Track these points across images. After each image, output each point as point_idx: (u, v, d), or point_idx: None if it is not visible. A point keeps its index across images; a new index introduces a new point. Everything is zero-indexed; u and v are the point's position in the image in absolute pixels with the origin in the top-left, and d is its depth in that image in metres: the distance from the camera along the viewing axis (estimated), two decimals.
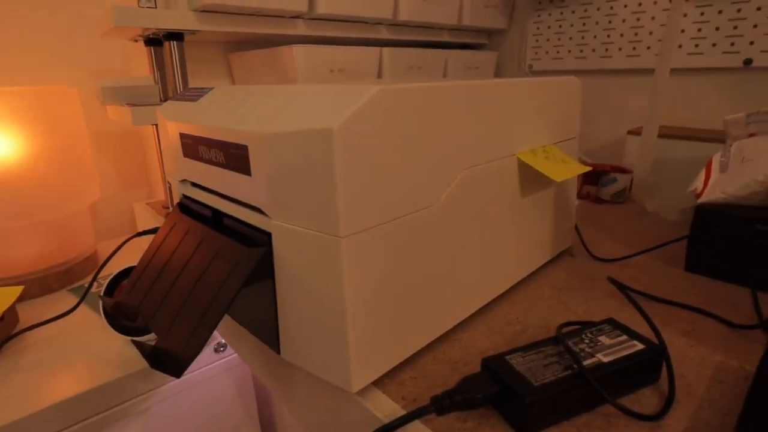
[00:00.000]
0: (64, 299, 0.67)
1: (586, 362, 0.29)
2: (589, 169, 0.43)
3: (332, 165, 0.26)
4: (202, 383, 0.57)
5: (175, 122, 0.41)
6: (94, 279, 0.57)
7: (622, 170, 0.72)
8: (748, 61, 0.66)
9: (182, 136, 0.41)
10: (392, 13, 0.76)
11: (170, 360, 0.31)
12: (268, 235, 0.32)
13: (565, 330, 0.33)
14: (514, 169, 0.41)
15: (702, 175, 0.48)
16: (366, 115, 0.27)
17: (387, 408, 0.30)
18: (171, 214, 0.44)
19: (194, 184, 0.43)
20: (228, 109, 0.36)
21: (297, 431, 0.74)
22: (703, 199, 0.46)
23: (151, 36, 0.68)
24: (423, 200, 0.32)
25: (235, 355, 0.60)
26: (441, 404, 0.28)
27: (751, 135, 0.54)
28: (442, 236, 0.34)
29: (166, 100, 0.74)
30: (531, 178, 0.43)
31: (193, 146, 0.39)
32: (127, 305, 0.39)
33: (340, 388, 0.32)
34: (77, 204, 0.71)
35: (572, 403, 0.29)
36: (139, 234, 0.59)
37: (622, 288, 0.41)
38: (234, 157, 0.33)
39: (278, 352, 0.35)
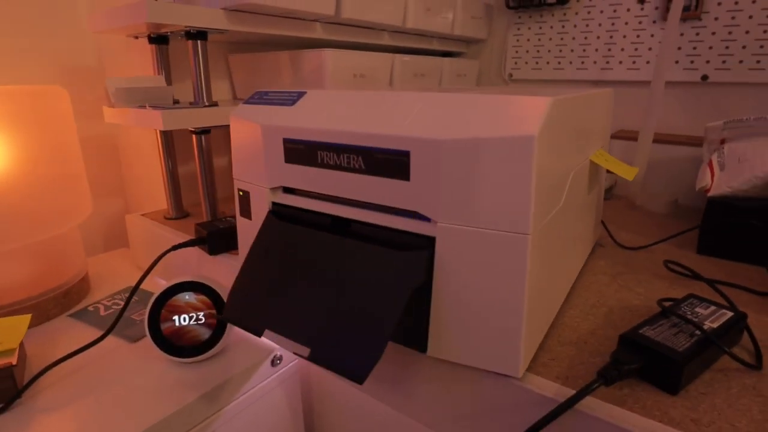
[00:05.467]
0: (67, 326, 0.60)
1: (704, 329, 0.35)
2: (637, 170, 0.50)
3: (530, 168, 0.29)
4: (261, 399, 0.55)
5: (274, 126, 0.40)
6: (130, 298, 0.52)
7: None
8: (705, 77, 0.79)
9: (288, 141, 0.40)
10: (402, 21, 0.79)
11: (350, 368, 0.31)
12: (428, 238, 0.33)
13: (666, 305, 0.39)
14: (586, 170, 0.46)
15: (707, 173, 0.58)
16: (549, 122, 0.30)
17: (550, 387, 0.33)
18: (267, 222, 0.43)
19: (288, 191, 0.43)
20: (357, 113, 0.37)
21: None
22: (713, 193, 0.55)
23: (163, 34, 0.64)
24: (559, 198, 0.36)
25: (287, 366, 0.58)
26: (609, 376, 0.32)
27: (723, 140, 0.65)
28: (560, 230, 0.38)
29: (175, 102, 0.69)
30: (591, 179, 0.49)
31: (307, 152, 0.39)
32: (240, 321, 0.38)
33: (495, 376, 0.34)
34: (71, 220, 0.63)
35: (700, 363, 0.34)
36: (176, 247, 0.56)
37: (689, 271, 0.48)
38: (383, 162, 0.34)
39: (424, 351, 0.36)
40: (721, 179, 0.56)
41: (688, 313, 0.38)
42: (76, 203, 0.65)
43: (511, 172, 0.29)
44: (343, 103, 0.39)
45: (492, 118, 0.31)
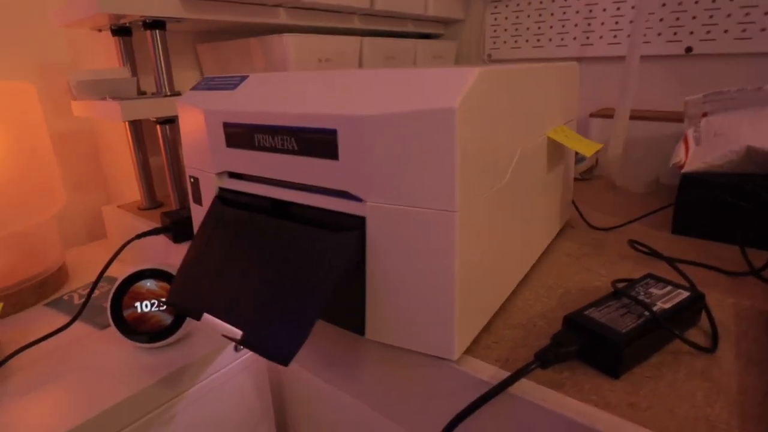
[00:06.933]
0: (43, 314, 0.60)
1: (654, 309, 0.34)
2: (601, 146, 0.48)
3: (453, 142, 0.27)
4: (225, 384, 0.55)
5: (215, 111, 0.40)
6: (94, 287, 0.52)
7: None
8: (689, 49, 0.76)
9: (227, 125, 0.39)
10: (369, 3, 0.77)
11: (275, 349, 0.30)
12: (358, 218, 0.32)
13: (620, 286, 0.38)
14: (544, 147, 0.44)
15: (682, 148, 0.56)
16: (474, 94, 0.28)
17: (487, 370, 0.32)
18: (212, 208, 0.42)
19: (234, 176, 0.42)
20: (291, 95, 0.36)
21: (308, 426, 0.73)
22: (686, 169, 0.53)
23: (124, 25, 0.63)
24: (501, 175, 0.34)
25: (251, 353, 0.58)
26: (546, 358, 0.31)
27: (704, 113, 0.63)
28: (507, 208, 0.37)
29: (142, 93, 0.68)
30: (551, 157, 0.47)
31: (244, 135, 0.38)
32: (184, 305, 0.37)
33: (433, 359, 0.33)
34: (44, 212, 0.64)
35: (647, 345, 0.33)
36: (140, 236, 0.56)
37: (650, 250, 0.47)
38: (313, 142, 0.33)
39: (362, 334, 0.35)
40: (696, 154, 0.54)
41: (641, 293, 0.36)
42: (48, 196, 0.65)
43: (434, 147, 0.28)
44: (280, 85, 0.38)
45: (415, 92, 0.29)
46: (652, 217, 0.60)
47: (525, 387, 0.31)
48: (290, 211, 0.37)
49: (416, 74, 0.31)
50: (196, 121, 0.42)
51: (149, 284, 0.51)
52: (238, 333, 0.32)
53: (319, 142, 0.33)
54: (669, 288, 0.37)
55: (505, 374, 0.31)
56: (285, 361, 0.30)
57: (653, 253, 0.47)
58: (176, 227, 0.57)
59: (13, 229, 0.59)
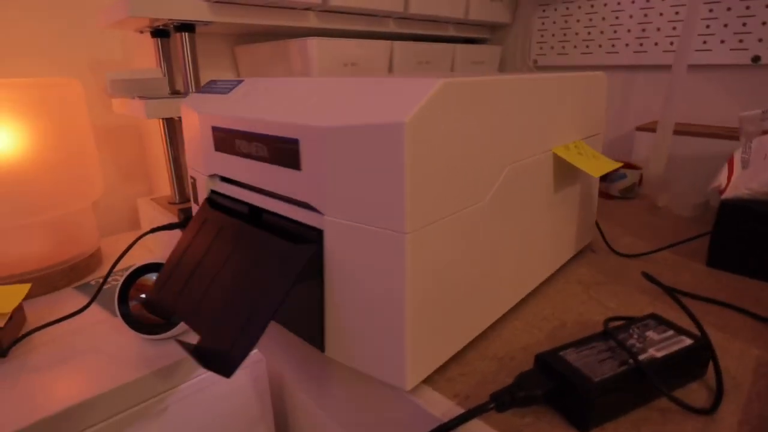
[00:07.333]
0: (70, 297, 0.65)
1: (641, 357, 0.30)
2: (620, 165, 0.44)
3: (402, 160, 0.26)
4: (220, 381, 0.56)
5: (206, 115, 0.40)
6: (108, 276, 0.55)
7: (631, 166, 0.73)
8: (756, 59, 0.67)
9: (215, 129, 0.39)
10: (403, 6, 0.76)
11: (219, 359, 0.30)
12: (318, 231, 0.31)
13: (611, 325, 0.34)
14: (549, 164, 0.41)
15: (725, 171, 0.49)
16: (433, 108, 0.26)
17: (442, 405, 0.30)
18: (200, 210, 0.43)
19: (225, 179, 0.42)
20: (270, 101, 0.35)
21: (310, 428, 0.74)
22: (727, 195, 0.47)
23: (160, 27, 0.66)
24: (475, 195, 0.32)
25: (252, 352, 0.59)
26: (502, 401, 0.28)
27: (766, 132, 0.55)
28: (488, 232, 0.34)
29: (174, 92, 0.72)
30: (562, 174, 0.43)
31: (228, 140, 0.38)
32: (160, 304, 0.38)
33: (389, 386, 0.32)
34: (81, 200, 0.69)
35: (629, 398, 0.29)
36: (155, 230, 0.58)
37: (660, 285, 0.42)
38: (280, 151, 0.32)
39: (322, 350, 0.34)
40: (740, 179, 0.47)
41: (634, 336, 0.32)
42: (86, 185, 0.70)
43: (383, 163, 0.26)
44: (265, 92, 0.38)
45: (374, 103, 0.28)
46: (689, 246, 0.53)
47: (476, 429, 0.28)
48: (263, 219, 0.37)
49: (380, 84, 0.29)
50: (192, 124, 0.43)
51: (155, 278, 0.54)
52: (193, 340, 0.32)
53: (285, 152, 0.32)
54: (670, 333, 0.32)
55: (459, 411, 0.29)
56: (227, 373, 0.29)
57: (664, 289, 0.41)
58: (188, 222, 0.59)
59: (50, 215, 0.65)
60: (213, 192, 0.43)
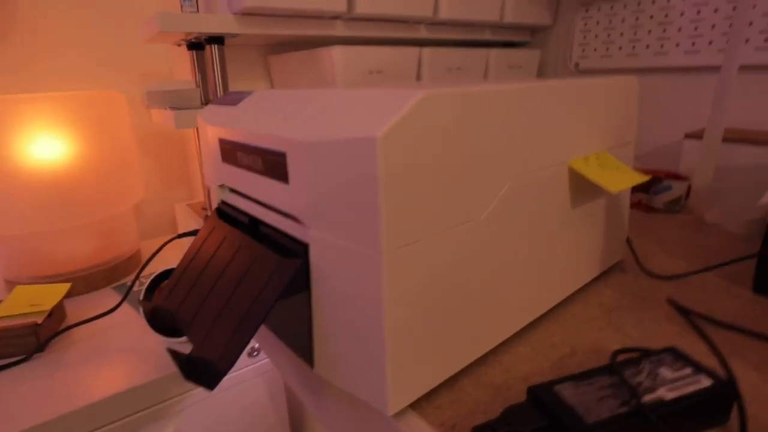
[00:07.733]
0: (109, 297, 0.69)
1: (646, 398, 0.27)
2: (647, 178, 0.40)
3: (375, 176, 0.24)
4: (235, 387, 0.57)
5: (214, 127, 0.41)
6: (136, 278, 0.57)
7: (678, 177, 0.67)
8: None
9: (221, 141, 0.40)
10: (432, 12, 0.74)
11: (205, 371, 0.30)
12: (304, 246, 0.31)
13: (620, 358, 0.31)
14: (564, 178, 0.38)
15: None
16: (411, 122, 0.25)
17: None
18: (209, 220, 0.44)
19: (232, 190, 0.43)
20: (267, 114, 0.35)
21: None
22: None
23: (193, 40, 0.69)
24: (468, 213, 0.30)
25: (268, 360, 0.60)
26: None
27: None
28: (486, 251, 0.32)
29: (207, 103, 0.74)
30: (582, 188, 0.40)
31: (231, 151, 0.39)
32: (165, 310, 0.39)
33: (372, 408, 0.30)
34: (123, 205, 0.73)
35: None
36: (180, 236, 0.60)
37: (684, 312, 0.38)
38: (272, 163, 0.32)
39: (312, 366, 0.33)
40: None
41: (644, 372, 0.29)
42: (127, 190, 0.74)
43: (359, 178, 0.25)
44: (267, 103, 0.38)
45: (356, 117, 0.27)
46: (733, 268, 0.48)
47: None
48: (260, 231, 0.37)
49: (364, 96, 0.28)
50: (205, 135, 0.44)
51: None
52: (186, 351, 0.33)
53: (275, 164, 0.32)
54: (688, 370, 0.29)
55: None
56: (210, 386, 0.29)
57: (687, 314, 0.37)
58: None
59: (94, 218, 0.69)
60: (222, 202, 0.44)
